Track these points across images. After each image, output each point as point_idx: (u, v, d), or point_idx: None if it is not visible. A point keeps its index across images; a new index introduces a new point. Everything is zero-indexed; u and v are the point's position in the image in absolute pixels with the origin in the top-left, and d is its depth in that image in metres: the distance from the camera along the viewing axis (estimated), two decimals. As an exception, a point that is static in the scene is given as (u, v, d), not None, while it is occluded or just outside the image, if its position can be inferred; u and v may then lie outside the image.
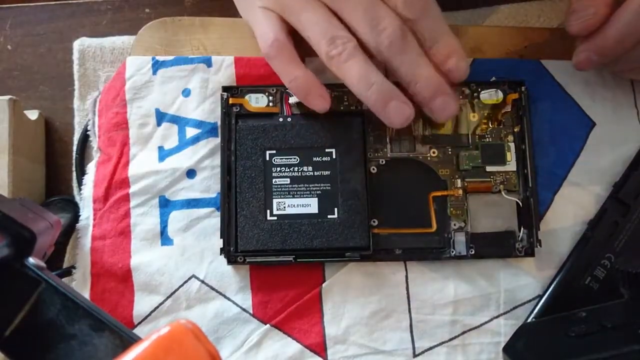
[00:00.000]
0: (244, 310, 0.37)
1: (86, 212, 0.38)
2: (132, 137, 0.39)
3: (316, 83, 0.35)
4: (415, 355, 0.37)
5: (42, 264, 0.27)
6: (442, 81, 0.34)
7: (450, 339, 0.37)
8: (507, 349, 0.33)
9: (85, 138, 0.40)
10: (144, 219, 0.38)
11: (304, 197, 0.36)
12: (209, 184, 0.38)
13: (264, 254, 0.36)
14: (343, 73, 0.34)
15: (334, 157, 0.37)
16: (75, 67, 0.41)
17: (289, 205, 0.36)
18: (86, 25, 0.43)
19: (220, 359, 0.22)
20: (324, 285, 0.37)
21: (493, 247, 0.37)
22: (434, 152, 0.38)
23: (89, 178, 0.39)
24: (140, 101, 0.39)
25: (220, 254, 0.36)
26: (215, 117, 0.38)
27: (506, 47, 0.40)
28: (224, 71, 0.39)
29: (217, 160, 0.38)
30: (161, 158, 0.38)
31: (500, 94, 0.38)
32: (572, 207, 0.38)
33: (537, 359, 0.32)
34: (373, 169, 0.37)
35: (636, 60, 0.36)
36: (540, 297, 0.37)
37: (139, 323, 0.37)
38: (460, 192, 0.37)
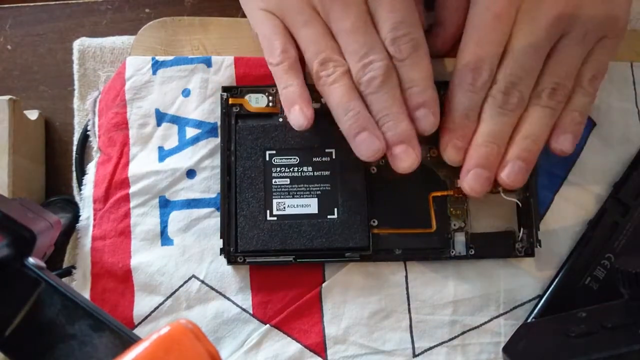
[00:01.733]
0: (244, 310, 0.37)
1: (86, 212, 0.38)
2: (132, 137, 0.39)
3: (305, 98, 0.34)
4: (415, 355, 0.37)
5: (42, 264, 0.27)
6: (409, 130, 0.33)
7: (450, 339, 0.37)
8: (507, 349, 0.33)
9: (85, 138, 0.40)
10: (144, 219, 0.38)
11: (303, 198, 0.36)
12: (209, 184, 0.38)
13: (264, 254, 0.36)
14: (326, 94, 0.34)
15: (334, 157, 0.37)
16: (75, 67, 0.41)
17: (288, 206, 0.36)
18: (86, 25, 0.43)
19: (220, 359, 0.22)
20: (324, 285, 0.37)
21: (493, 247, 0.37)
22: (434, 152, 0.38)
23: (89, 178, 0.39)
24: (140, 101, 0.39)
25: (220, 254, 0.36)
26: (215, 117, 0.38)
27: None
28: (223, 71, 0.39)
29: (217, 160, 0.38)
30: (161, 158, 0.38)
31: None
32: (572, 207, 0.38)
33: (537, 359, 0.32)
34: (373, 169, 0.37)
35: None
36: (540, 297, 0.37)
37: (139, 323, 0.37)
38: (460, 192, 0.37)
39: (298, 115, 0.34)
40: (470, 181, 0.34)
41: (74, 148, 0.40)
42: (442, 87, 0.37)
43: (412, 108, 0.33)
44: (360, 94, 0.33)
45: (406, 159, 0.33)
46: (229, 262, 0.37)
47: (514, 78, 0.33)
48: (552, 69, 0.34)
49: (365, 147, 0.33)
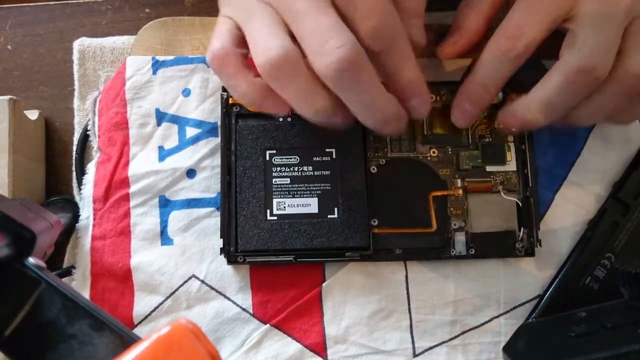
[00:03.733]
0: (244, 310, 0.37)
1: (86, 212, 0.38)
2: (132, 137, 0.39)
3: (267, 91, 0.31)
4: (415, 355, 0.37)
5: (42, 264, 0.27)
6: (394, 110, 0.31)
7: (450, 339, 0.37)
8: (507, 349, 0.33)
9: (85, 138, 0.40)
10: (144, 219, 0.38)
11: (304, 197, 0.36)
12: (209, 183, 0.38)
13: (264, 254, 0.36)
14: (282, 92, 0.30)
15: (334, 157, 0.37)
16: (75, 67, 0.41)
17: (289, 205, 0.36)
18: (86, 25, 0.43)
19: (220, 359, 0.22)
20: (324, 285, 0.37)
21: (493, 247, 0.37)
22: (434, 152, 0.38)
23: (89, 178, 0.39)
24: (140, 101, 0.39)
25: (220, 254, 0.36)
26: (215, 117, 0.38)
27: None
28: (224, 71, 0.39)
29: (217, 160, 0.38)
30: (161, 158, 0.38)
31: (500, 94, 0.38)
32: (572, 207, 0.38)
33: (537, 359, 0.32)
34: (373, 169, 0.37)
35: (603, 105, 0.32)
36: (540, 297, 0.37)
37: (139, 323, 0.37)
38: (460, 192, 0.37)
39: (274, 109, 0.32)
40: (456, 113, 0.34)
41: (74, 148, 0.40)
42: (443, 87, 0.38)
43: (402, 98, 0.31)
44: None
45: (399, 131, 0.32)
46: (229, 262, 0.37)
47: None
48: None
49: (339, 126, 0.31)
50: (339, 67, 0.27)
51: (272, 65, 0.29)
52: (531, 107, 0.32)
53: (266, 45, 0.29)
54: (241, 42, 0.31)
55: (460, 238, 0.37)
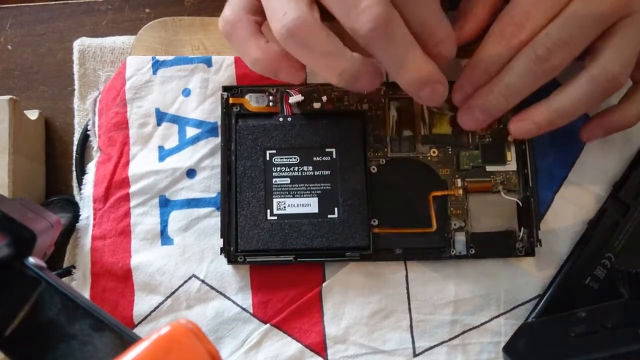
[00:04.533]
0: (244, 310, 0.37)
1: (86, 212, 0.38)
2: (132, 137, 0.39)
3: (283, 57, 0.31)
4: (415, 355, 0.37)
5: (42, 264, 0.27)
6: (431, 70, 0.30)
7: (450, 339, 0.37)
8: (507, 349, 0.33)
9: (85, 138, 0.40)
10: (144, 219, 0.38)
11: (304, 197, 0.36)
12: (209, 183, 0.38)
13: (264, 254, 0.36)
14: (301, 56, 0.30)
15: (334, 157, 0.37)
16: (75, 67, 0.41)
17: (289, 205, 0.36)
18: (86, 25, 0.43)
19: (220, 359, 0.22)
20: (324, 285, 0.37)
21: (493, 247, 0.37)
22: (434, 152, 0.38)
23: (89, 178, 0.39)
24: (140, 101, 0.39)
25: (221, 254, 0.36)
26: (216, 117, 0.38)
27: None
28: (224, 71, 0.39)
29: (217, 160, 0.38)
30: (161, 158, 0.38)
31: None
32: (572, 207, 0.38)
33: (537, 359, 0.32)
34: (373, 169, 0.37)
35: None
36: (540, 297, 0.37)
37: (139, 323, 0.37)
38: (461, 192, 0.37)
39: (290, 77, 0.31)
40: (465, 117, 0.34)
41: (74, 148, 0.40)
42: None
43: (430, 47, 0.30)
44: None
45: (436, 97, 0.31)
46: (229, 262, 0.37)
47: (567, 36, 0.30)
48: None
49: (365, 88, 0.31)
50: (374, 26, 0.28)
51: (290, 31, 0.28)
52: (553, 112, 0.33)
53: (283, 9, 0.28)
54: (256, 9, 0.31)
55: (460, 238, 0.37)
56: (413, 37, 0.29)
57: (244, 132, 0.37)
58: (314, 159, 0.37)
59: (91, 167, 0.39)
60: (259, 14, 0.31)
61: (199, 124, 0.39)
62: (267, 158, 0.37)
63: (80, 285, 0.37)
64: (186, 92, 0.39)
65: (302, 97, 0.37)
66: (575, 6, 0.31)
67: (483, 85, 0.33)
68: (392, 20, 0.28)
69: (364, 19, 0.28)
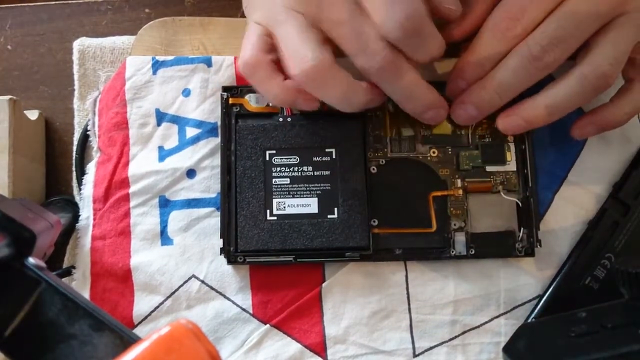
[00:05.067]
0: (244, 310, 0.37)
1: (86, 212, 0.38)
2: (132, 137, 0.39)
3: (297, 92, 0.33)
4: (415, 355, 0.37)
5: (42, 264, 0.27)
6: (434, 99, 0.33)
7: (450, 339, 0.37)
8: (507, 349, 0.33)
9: (85, 138, 0.40)
10: (144, 219, 0.38)
11: (304, 197, 0.36)
12: (209, 184, 0.38)
13: (264, 254, 0.36)
14: (321, 95, 0.33)
15: (334, 157, 0.37)
16: (75, 67, 0.41)
17: (289, 205, 0.36)
18: (86, 25, 0.43)
19: (220, 359, 0.22)
20: (324, 285, 0.37)
21: (493, 247, 0.37)
22: (434, 152, 0.38)
23: (89, 178, 0.39)
24: (140, 101, 0.39)
25: (220, 254, 0.36)
26: (215, 117, 0.38)
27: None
28: (224, 71, 0.39)
29: (217, 160, 0.38)
30: (161, 158, 0.38)
31: None
32: (572, 207, 0.38)
33: (537, 359, 0.32)
34: (373, 169, 0.37)
35: None
36: (540, 297, 0.37)
37: (139, 323, 0.37)
38: (460, 192, 0.37)
39: (305, 106, 0.33)
40: (458, 111, 0.35)
41: (74, 148, 0.40)
42: (442, 87, 0.37)
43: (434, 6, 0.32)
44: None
45: (436, 118, 0.35)
46: (229, 262, 0.37)
47: (562, 34, 0.31)
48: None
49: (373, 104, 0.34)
50: (380, 67, 0.31)
51: (308, 75, 0.31)
52: (543, 107, 0.33)
53: (299, 54, 0.31)
54: (271, 47, 0.33)
55: (460, 238, 0.37)
56: (417, 72, 0.32)
57: (243, 132, 0.37)
58: (314, 159, 0.37)
59: (91, 167, 0.39)
60: (274, 52, 0.33)
61: (199, 124, 0.39)
62: (267, 158, 0.37)
63: (80, 285, 0.37)
64: (186, 92, 0.39)
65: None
66: (572, 3, 0.31)
67: (477, 79, 0.34)
68: (396, 59, 0.31)
69: (373, 60, 0.31)
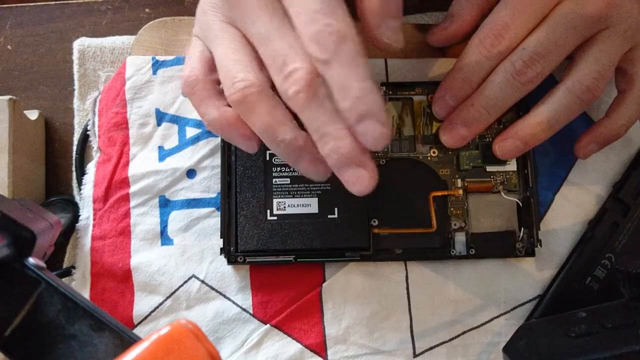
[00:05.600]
0: (244, 310, 0.37)
1: (86, 212, 0.38)
2: (132, 137, 0.39)
3: (234, 123, 0.29)
4: (415, 355, 0.37)
5: (42, 264, 0.27)
6: (356, 149, 0.27)
7: (451, 339, 0.37)
8: (507, 349, 0.33)
9: (85, 138, 0.40)
10: (144, 219, 0.38)
11: (304, 197, 0.36)
12: (209, 184, 0.38)
13: (264, 254, 0.36)
14: (249, 123, 0.28)
15: (334, 157, 0.37)
16: (75, 67, 0.41)
17: (289, 205, 0.36)
18: (86, 25, 0.43)
19: (220, 359, 0.22)
20: (324, 285, 0.37)
21: (493, 247, 0.37)
22: (434, 152, 0.38)
23: (89, 178, 0.39)
24: (140, 101, 0.39)
25: (220, 254, 0.36)
26: (215, 117, 0.38)
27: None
28: (224, 71, 0.39)
29: (217, 160, 0.38)
30: (161, 158, 0.38)
31: None
32: (572, 207, 0.38)
33: (537, 359, 0.32)
34: (373, 169, 0.37)
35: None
36: (540, 297, 0.37)
37: (139, 323, 0.37)
38: (461, 192, 0.37)
39: (242, 143, 0.30)
40: (448, 134, 0.35)
41: (74, 148, 0.40)
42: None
43: (352, 121, 0.26)
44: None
45: (358, 183, 0.28)
46: (229, 262, 0.37)
47: (543, 50, 0.31)
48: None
49: (309, 173, 0.29)
50: (297, 89, 0.26)
51: (237, 99, 0.27)
52: (535, 125, 0.33)
53: (231, 73, 0.28)
54: (213, 65, 0.30)
55: (460, 238, 0.37)
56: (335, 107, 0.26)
57: (244, 132, 0.37)
58: (314, 159, 0.37)
59: (91, 168, 0.39)
60: (216, 72, 0.30)
61: (199, 124, 0.39)
62: (267, 158, 0.37)
63: (80, 285, 0.37)
64: (186, 92, 0.39)
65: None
66: (553, 20, 0.31)
67: (464, 97, 0.34)
68: (314, 84, 0.26)
69: (290, 81, 0.26)
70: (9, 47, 0.43)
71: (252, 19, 0.27)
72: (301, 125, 0.28)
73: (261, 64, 0.28)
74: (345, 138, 0.26)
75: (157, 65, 0.39)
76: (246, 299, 0.37)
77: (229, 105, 0.29)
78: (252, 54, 0.28)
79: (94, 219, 0.38)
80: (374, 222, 0.36)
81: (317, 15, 0.25)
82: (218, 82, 0.30)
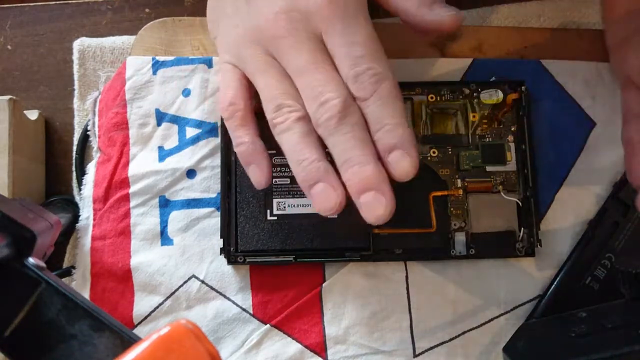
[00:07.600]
0: (244, 310, 0.37)
1: (86, 212, 0.38)
2: (132, 137, 0.39)
3: (260, 154, 0.33)
4: (415, 355, 0.37)
5: (42, 264, 0.27)
6: (377, 174, 0.28)
7: (451, 339, 0.37)
8: (507, 349, 0.33)
9: (85, 138, 0.40)
10: (144, 219, 0.38)
11: (304, 197, 0.36)
12: (209, 184, 0.38)
13: (264, 254, 0.36)
14: (280, 143, 0.31)
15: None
16: (75, 67, 0.41)
17: (289, 205, 0.36)
18: (86, 25, 0.43)
19: (220, 359, 0.22)
20: (324, 285, 0.37)
21: (493, 247, 0.37)
22: (434, 152, 0.38)
23: (89, 178, 0.39)
24: (140, 101, 0.39)
25: (220, 254, 0.36)
26: (215, 117, 0.38)
27: (506, 48, 0.40)
28: (224, 71, 0.39)
29: (217, 160, 0.38)
30: (161, 158, 0.38)
31: (501, 94, 0.38)
32: (572, 207, 0.38)
33: (537, 359, 0.32)
34: (373, 169, 0.37)
35: None
36: (540, 297, 0.37)
37: (139, 323, 0.37)
38: (461, 192, 0.37)
39: (255, 175, 0.33)
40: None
41: (74, 148, 0.40)
42: (443, 87, 0.38)
43: (383, 152, 0.29)
44: (321, 139, 0.30)
45: (375, 208, 0.29)
46: (229, 262, 0.37)
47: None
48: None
49: (320, 200, 0.30)
50: (330, 115, 0.29)
51: (286, 125, 0.30)
52: None
53: (277, 101, 0.30)
54: (250, 90, 0.33)
55: (460, 238, 0.37)
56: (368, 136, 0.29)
57: (244, 132, 0.37)
58: (314, 159, 0.37)
59: (91, 168, 0.39)
60: (252, 95, 0.33)
61: (198, 124, 0.39)
62: (267, 158, 0.37)
63: (80, 285, 0.37)
64: (186, 93, 0.39)
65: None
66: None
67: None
68: (348, 112, 0.29)
69: (323, 108, 0.29)
70: (9, 47, 0.43)
71: (294, 54, 0.30)
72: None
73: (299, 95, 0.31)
74: (369, 164, 0.28)
75: (157, 66, 0.39)
76: (246, 299, 0.37)
77: (260, 135, 0.33)
78: (293, 85, 0.31)
79: (94, 219, 0.38)
80: (374, 222, 0.36)
81: (361, 60, 0.29)
82: (252, 109, 0.33)
